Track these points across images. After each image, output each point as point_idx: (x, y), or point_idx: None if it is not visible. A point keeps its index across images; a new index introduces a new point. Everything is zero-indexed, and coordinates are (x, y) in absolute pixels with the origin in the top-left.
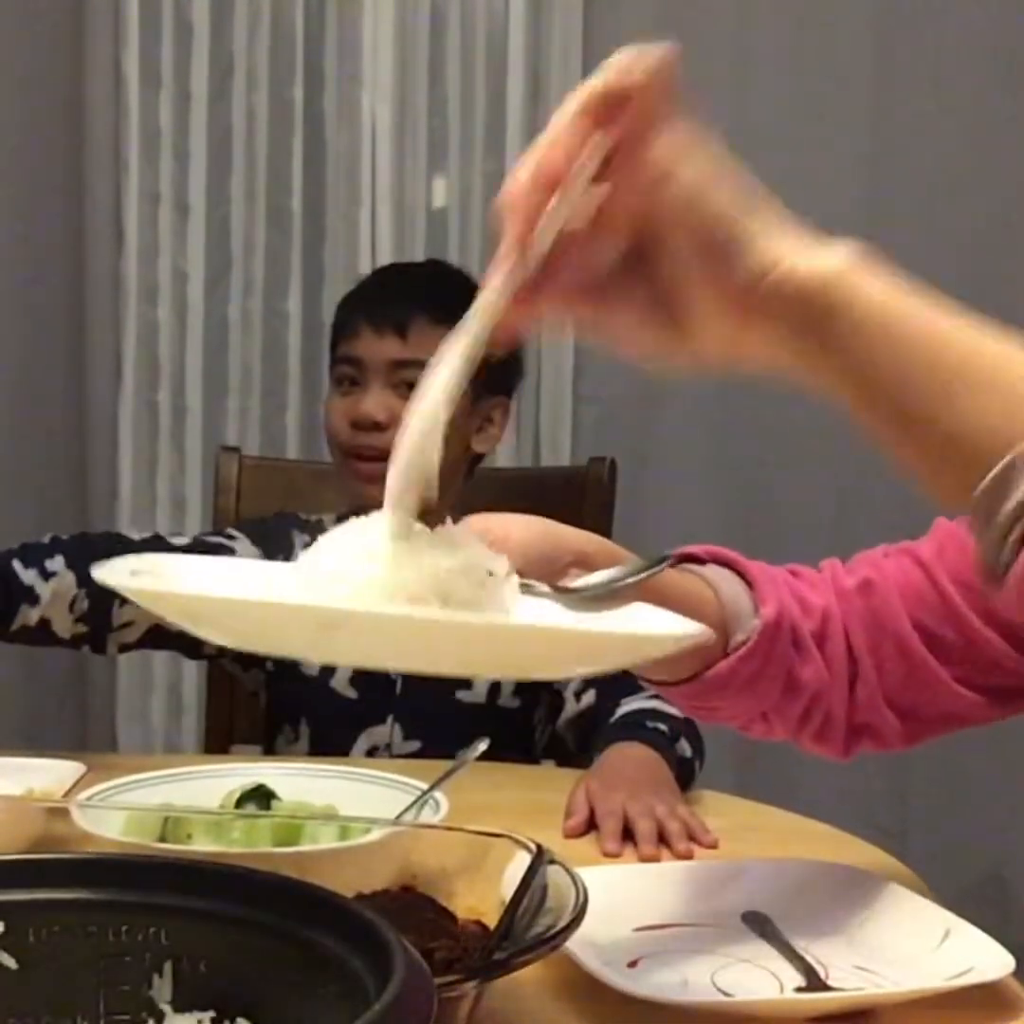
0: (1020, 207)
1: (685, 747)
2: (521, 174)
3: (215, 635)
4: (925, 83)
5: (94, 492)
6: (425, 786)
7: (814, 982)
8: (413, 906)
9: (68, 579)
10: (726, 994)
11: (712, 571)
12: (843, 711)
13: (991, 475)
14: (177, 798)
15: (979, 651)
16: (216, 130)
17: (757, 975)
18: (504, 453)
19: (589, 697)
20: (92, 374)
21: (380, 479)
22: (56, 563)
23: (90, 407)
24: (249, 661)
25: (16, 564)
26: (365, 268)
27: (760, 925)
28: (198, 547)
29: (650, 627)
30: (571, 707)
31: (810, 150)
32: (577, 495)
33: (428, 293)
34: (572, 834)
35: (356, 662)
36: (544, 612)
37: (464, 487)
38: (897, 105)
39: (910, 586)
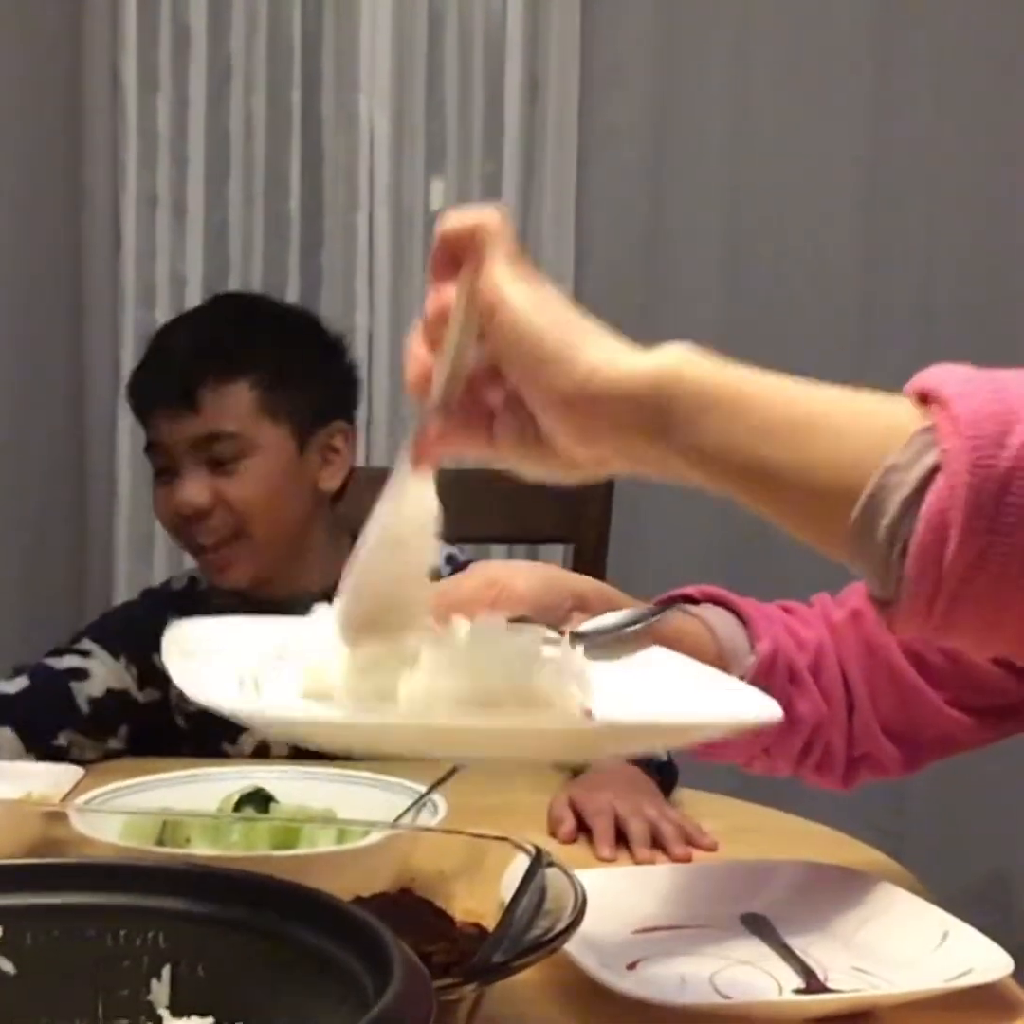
0: (1021, 208)
1: (660, 752)
2: (413, 346)
3: (317, 744)
4: (925, 83)
5: (93, 495)
6: (423, 789)
7: (813, 984)
8: (411, 909)
9: (17, 746)
10: (725, 996)
11: (707, 611)
12: (843, 742)
13: (859, 506)
14: (175, 802)
15: (966, 672)
16: (214, 134)
17: (756, 977)
18: None
19: None
20: (90, 377)
21: (229, 566)
22: (3, 734)
23: (88, 410)
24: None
25: None
26: (363, 271)
27: (759, 927)
28: (42, 678)
29: (736, 711)
30: None
31: (810, 151)
32: (574, 502)
33: (217, 349)
34: (565, 841)
35: (434, 756)
36: (617, 697)
37: (328, 517)
38: (897, 105)
39: None
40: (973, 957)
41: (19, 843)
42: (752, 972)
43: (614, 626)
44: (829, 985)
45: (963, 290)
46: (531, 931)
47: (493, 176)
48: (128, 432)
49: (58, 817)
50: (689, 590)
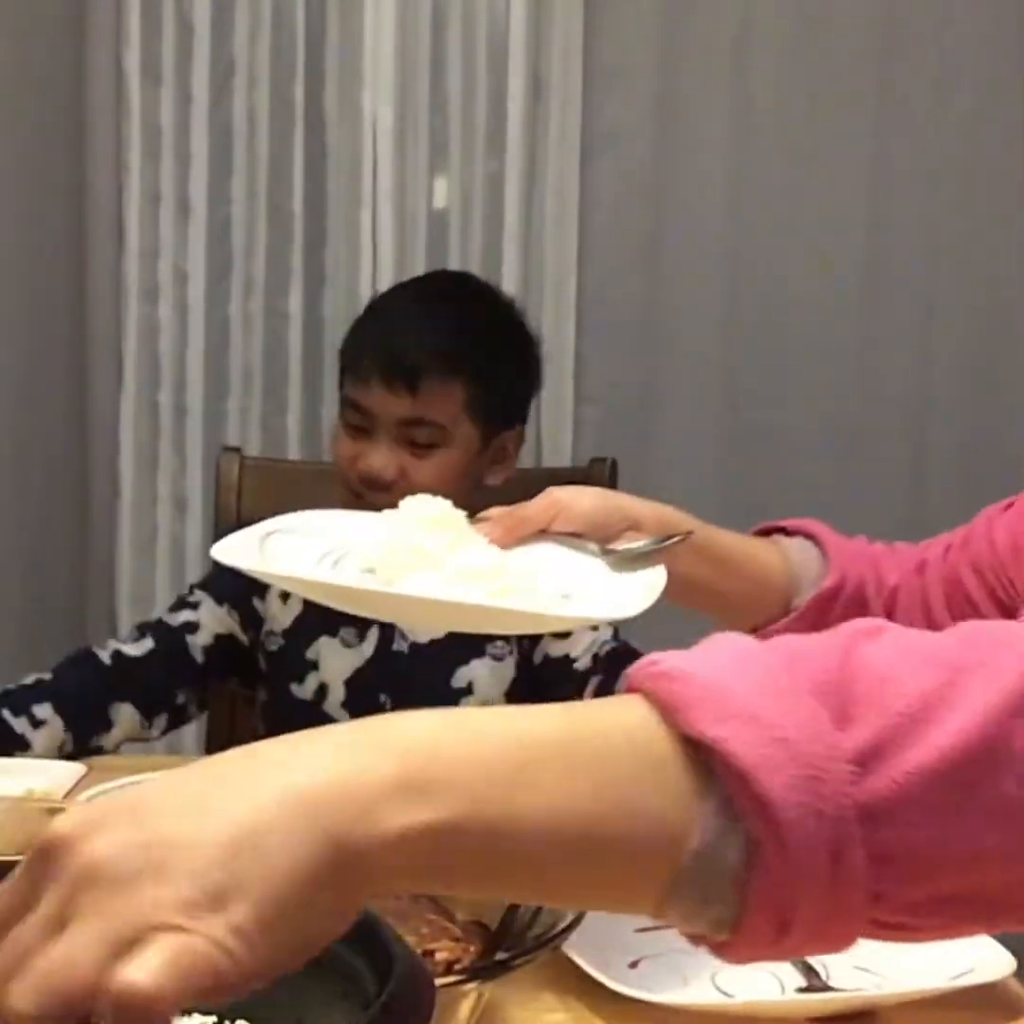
0: (1021, 209)
1: None
2: None
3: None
4: (927, 84)
5: (95, 492)
6: None
7: (815, 983)
8: (414, 907)
9: (57, 725)
10: (727, 995)
11: (791, 542)
12: None
13: (664, 891)
14: None
15: None
16: (217, 130)
17: (758, 976)
18: None
19: (593, 684)
20: (93, 374)
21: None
22: (44, 710)
23: (91, 407)
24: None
25: (5, 713)
26: (366, 268)
27: None
28: (163, 638)
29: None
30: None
31: (811, 151)
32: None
33: (446, 345)
34: None
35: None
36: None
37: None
38: (898, 105)
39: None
40: (975, 956)
41: (21, 840)
42: (754, 971)
43: (638, 547)
44: (831, 984)
45: (963, 291)
46: (532, 929)
47: (496, 175)
48: (131, 428)
49: (60, 814)
50: (786, 522)
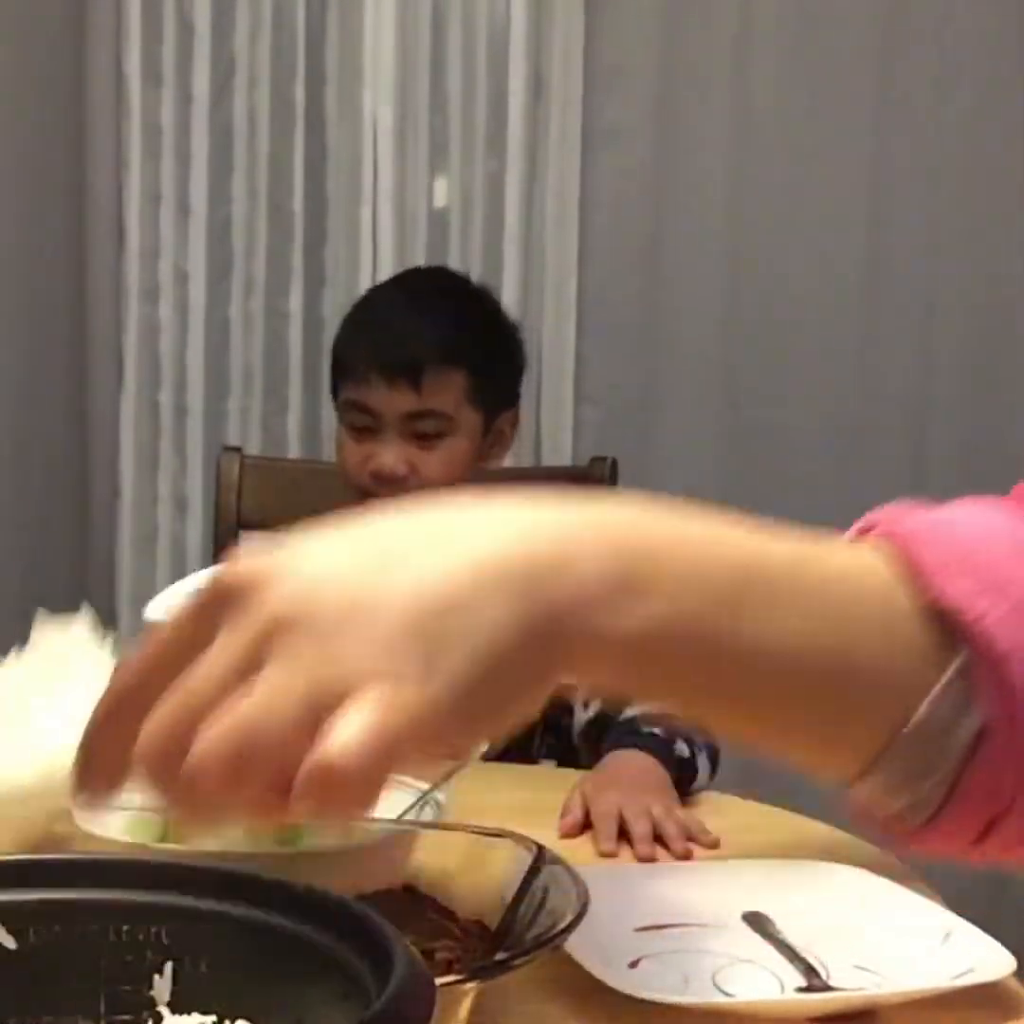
0: (1021, 207)
1: (682, 748)
2: None
3: None
4: (928, 84)
5: (96, 492)
6: (426, 786)
7: (815, 982)
8: (414, 906)
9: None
10: (727, 994)
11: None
12: None
13: (887, 759)
14: None
15: None
16: (217, 130)
17: (758, 975)
18: None
19: (596, 704)
20: (93, 374)
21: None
22: None
23: (91, 407)
24: None
25: None
26: (366, 268)
27: (761, 925)
28: None
29: None
30: (580, 716)
31: (811, 150)
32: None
33: (444, 337)
34: (567, 833)
35: None
36: None
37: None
38: (899, 105)
39: None
40: (975, 956)
41: (22, 839)
42: (754, 970)
43: None
44: (831, 983)
45: (964, 290)
46: (533, 929)
47: (496, 174)
48: (131, 428)
49: (62, 813)
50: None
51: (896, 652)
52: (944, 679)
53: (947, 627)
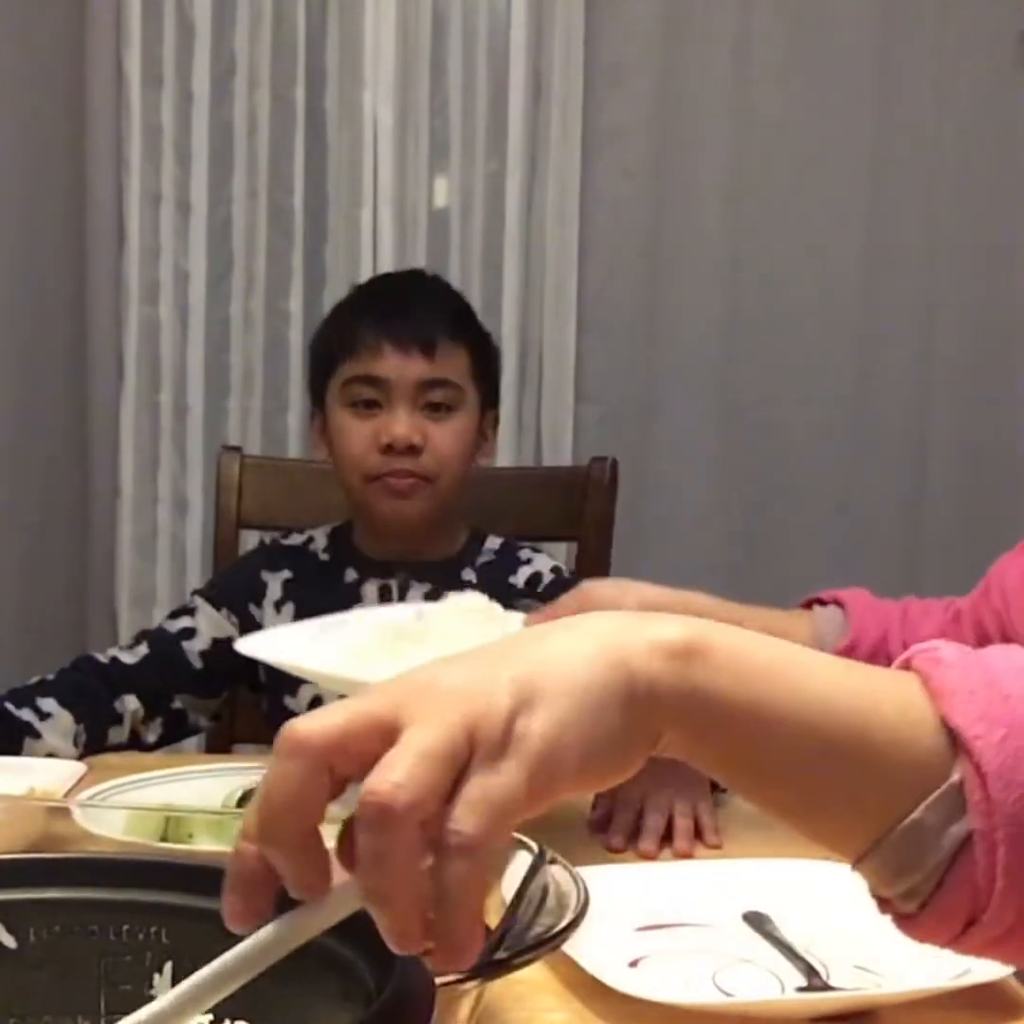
0: (1021, 207)
1: None
2: None
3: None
4: (926, 82)
5: (96, 492)
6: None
7: (815, 982)
8: None
9: (65, 718)
10: (727, 994)
11: (823, 611)
12: None
13: (880, 850)
14: (178, 797)
15: None
16: (218, 130)
17: (758, 975)
18: (505, 453)
19: None
20: (94, 374)
21: (411, 492)
22: (49, 704)
23: (92, 407)
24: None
25: (8, 706)
26: (366, 268)
27: (761, 925)
28: (159, 644)
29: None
30: None
31: (811, 149)
32: (579, 495)
33: (452, 311)
34: (596, 828)
35: None
36: None
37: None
38: (898, 104)
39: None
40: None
41: (22, 838)
42: (754, 970)
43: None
44: (831, 983)
45: (964, 289)
46: (533, 928)
47: (496, 174)
48: (131, 428)
49: (61, 812)
50: (823, 594)
51: (914, 751)
52: (945, 783)
53: (952, 743)
